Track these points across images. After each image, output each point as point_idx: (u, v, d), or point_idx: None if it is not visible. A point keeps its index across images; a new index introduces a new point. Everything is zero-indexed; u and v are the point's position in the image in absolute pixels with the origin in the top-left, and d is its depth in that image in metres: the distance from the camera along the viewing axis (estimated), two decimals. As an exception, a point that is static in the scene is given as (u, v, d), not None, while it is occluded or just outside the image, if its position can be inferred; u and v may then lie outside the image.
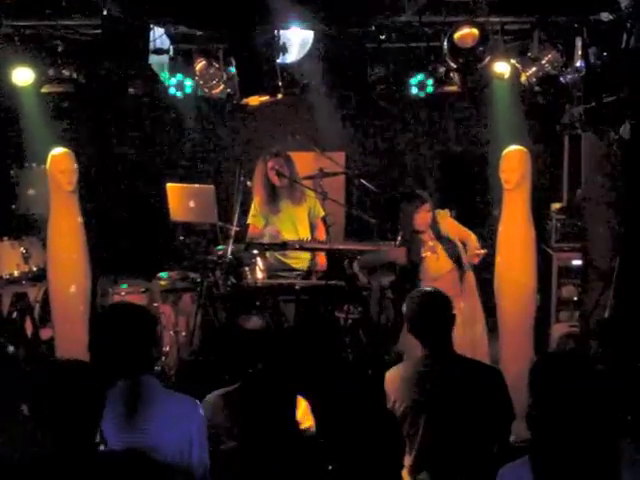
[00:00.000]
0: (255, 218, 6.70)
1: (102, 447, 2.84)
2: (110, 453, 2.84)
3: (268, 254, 6.63)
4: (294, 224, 6.72)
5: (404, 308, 4.08)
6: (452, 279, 5.89)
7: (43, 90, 6.36)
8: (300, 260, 6.78)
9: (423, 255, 5.90)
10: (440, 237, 5.98)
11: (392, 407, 3.92)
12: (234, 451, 3.58)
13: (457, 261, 5.93)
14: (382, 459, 4.51)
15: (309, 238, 6.62)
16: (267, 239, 6.54)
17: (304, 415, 3.70)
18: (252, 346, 3.80)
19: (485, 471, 3.69)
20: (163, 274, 7.12)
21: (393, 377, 3.98)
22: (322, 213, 6.79)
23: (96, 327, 3.46)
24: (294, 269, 6.77)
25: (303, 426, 3.67)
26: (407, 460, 3.92)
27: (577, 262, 6.54)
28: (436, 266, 5.92)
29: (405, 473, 3.94)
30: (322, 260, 6.80)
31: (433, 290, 4.14)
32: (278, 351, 3.94)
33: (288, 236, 6.57)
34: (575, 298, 6.83)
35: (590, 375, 2.80)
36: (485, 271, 6.38)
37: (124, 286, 6.83)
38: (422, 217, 5.96)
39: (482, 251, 6.01)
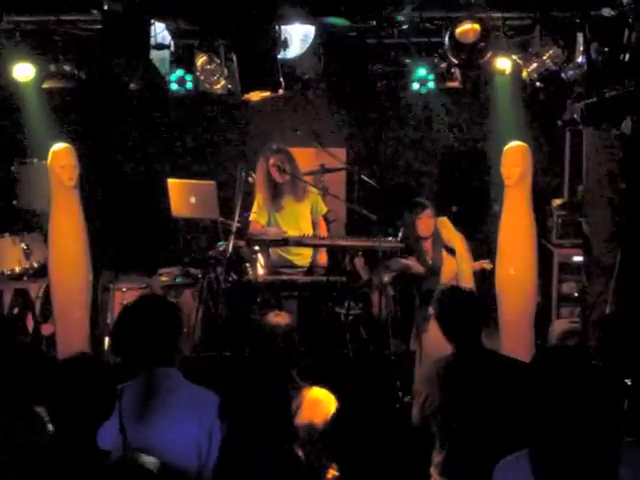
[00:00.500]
0: (258, 215, 6.70)
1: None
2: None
3: (271, 251, 6.64)
4: (297, 221, 6.71)
5: (432, 305, 4.05)
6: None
7: (44, 85, 6.36)
8: (302, 257, 6.78)
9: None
10: (438, 245, 5.99)
11: (422, 405, 3.89)
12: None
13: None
14: (397, 455, 4.50)
15: (311, 234, 6.62)
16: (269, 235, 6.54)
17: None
18: (281, 343, 3.83)
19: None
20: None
21: (424, 375, 3.96)
22: (324, 210, 6.79)
23: (122, 318, 3.45)
24: (296, 266, 6.76)
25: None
26: (437, 457, 3.89)
27: (578, 258, 6.53)
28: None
29: (435, 471, 3.91)
30: (323, 258, 6.80)
31: (462, 287, 4.12)
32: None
33: (291, 233, 6.57)
34: (576, 294, 6.82)
35: (589, 370, 2.82)
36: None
37: (125, 282, 6.83)
38: (424, 223, 5.98)
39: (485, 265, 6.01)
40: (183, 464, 3.17)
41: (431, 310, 4.09)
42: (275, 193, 6.64)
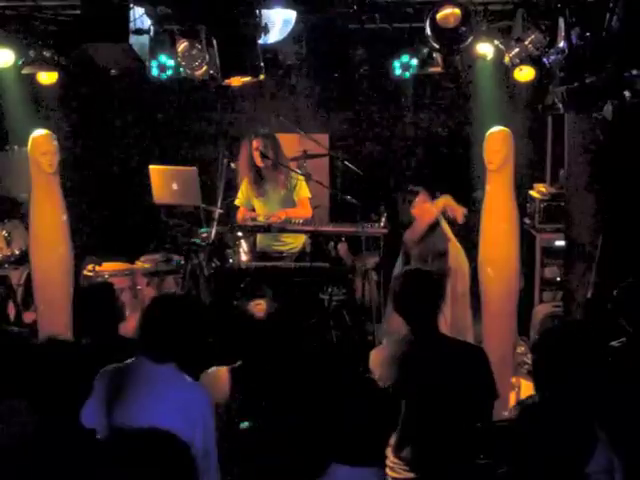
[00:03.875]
0: (244, 200, 6.69)
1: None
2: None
3: (258, 239, 6.64)
4: (280, 206, 6.70)
5: (391, 286, 4.08)
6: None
7: (24, 71, 6.30)
8: (288, 244, 6.77)
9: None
10: (435, 244, 5.97)
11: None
12: (250, 431, 3.59)
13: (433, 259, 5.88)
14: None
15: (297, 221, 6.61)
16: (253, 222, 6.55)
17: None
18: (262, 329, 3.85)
19: (468, 449, 3.72)
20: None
21: (377, 356, 3.99)
22: (308, 194, 6.77)
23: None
24: (282, 252, 6.75)
25: None
26: (392, 438, 3.94)
27: (560, 243, 6.56)
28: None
29: (389, 451, 3.95)
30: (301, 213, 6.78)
31: (420, 269, 4.13)
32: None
33: (272, 219, 6.56)
34: (558, 278, 6.85)
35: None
36: (468, 252, 6.40)
37: (106, 268, 6.80)
38: (421, 209, 5.95)
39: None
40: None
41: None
42: (258, 178, 6.64)
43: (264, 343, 3.83)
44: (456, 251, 5.92)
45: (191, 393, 3.31)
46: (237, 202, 6.72)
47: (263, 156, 6.51)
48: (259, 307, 4.09)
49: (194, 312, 3.48)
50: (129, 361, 3.39)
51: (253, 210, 6.74)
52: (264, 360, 3.77)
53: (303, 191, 6.75)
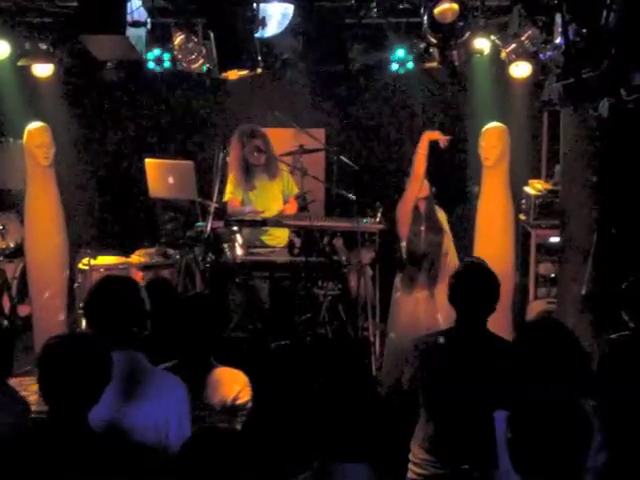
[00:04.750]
0: (233, 194, 6.69)
1: None
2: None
3: (247, 232, 6.63)
4: (268, 200, 6.71)
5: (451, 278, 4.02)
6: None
7: (19, 63, 6.29)
8: (274, 237, 6.77)
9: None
10: (430, 217, 5.89)
11: (412, 375, 3.88)
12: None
13: (432, 251, 5.81)
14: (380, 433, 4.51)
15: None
16: (248, 217, 6.54)
17: (242, 391, 3.64)
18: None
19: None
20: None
21: (418, 345, 3.93)
22: (295, 190, 6.78)
23: (90, 299, 3.43)
24: (268, 246, 6.76)
25: (239, 401, 3.60)
26: (421, 432, 3.87)
27: (555, 239, 6.56)
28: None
29: (415, 445, 3.88)
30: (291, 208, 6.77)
31: (482, 262, 4.09)
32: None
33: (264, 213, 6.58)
34: (553, 275, 6.86)
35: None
36: (464, 248, 6.41)
37: (101, 262, 6.78)
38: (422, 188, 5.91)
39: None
40: (147, 445, 3.15)
41: None
42: (248, 172, 6.64)
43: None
44: (449, 242, 5.91)
45: (162, 384, 3.29)
46: (227, 197, 6.71)
47: (259, 151, 6.51)
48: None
49: (133, 289, 3.43)
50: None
51: (245, 204, 6.72)
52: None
53: (292, 187, 6.78)
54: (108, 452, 2.76)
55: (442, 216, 5.93)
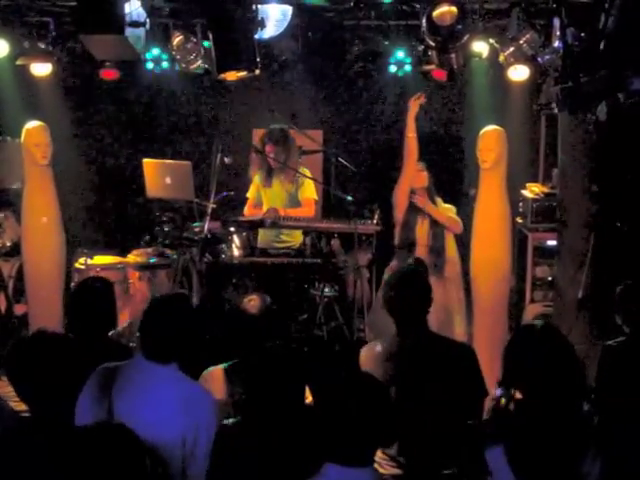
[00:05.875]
0: (252, 195, 6.73)
1: None
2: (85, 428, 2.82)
3: (261, 235, 6.65)
4: (282, 201, 6.69)
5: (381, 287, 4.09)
6: (421, 256, 5.80)
7: (18, 62, 6.29)
8: (286, 242, 6.76)
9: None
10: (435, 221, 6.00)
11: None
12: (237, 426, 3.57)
13: (435, 246, 5.88)
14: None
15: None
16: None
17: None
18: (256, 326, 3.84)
19: (458, 447, 3.72)
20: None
21: (367, 354, 3.99)
22: (312, 195, 6.69)
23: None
24: (281, 249, 6.75)
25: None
26: None
27: (552, 242, 6.57)
28: (418, 232, 5.95)
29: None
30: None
31: (410, 268, 4.14)
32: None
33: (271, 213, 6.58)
34: (550, 278, 6.87)
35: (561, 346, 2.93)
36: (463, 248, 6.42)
37: (98, 261, 6.78)
38: (417, 176, 5.95)
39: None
40: (167, 455, 3.13)
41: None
42: (269, 171, 6.65)
43: (259, 339, 3.80)
44: (450, 236, 6.00)
45: (193, 394, 3.28)
46: (249, 194, 6.75)
47: (278, 155, 6.51)
48: (252, 303, 4.08)
49: (192, 311, 3.47)
50: (129, 361, 3.38)
51: (260, 206, 6.73)
52: (260, 357, 3.75)
53: (309, 191, 6.70)
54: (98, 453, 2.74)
55: (447, 208, 6.03)
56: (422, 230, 6.01)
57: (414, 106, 6.02)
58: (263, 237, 6.72)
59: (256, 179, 6.74)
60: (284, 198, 6.68)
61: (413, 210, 6.01)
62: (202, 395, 3.32)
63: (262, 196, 6.73)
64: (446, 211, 6.18)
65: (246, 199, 6.83)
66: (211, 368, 3.86)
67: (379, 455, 3.86)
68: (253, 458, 3.19)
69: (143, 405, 3.16)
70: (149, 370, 3.24)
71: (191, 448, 3.17)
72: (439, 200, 6.15)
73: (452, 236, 6.15)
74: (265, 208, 6.65)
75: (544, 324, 3.08)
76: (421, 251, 5.93)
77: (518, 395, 3.02)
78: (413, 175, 5.99)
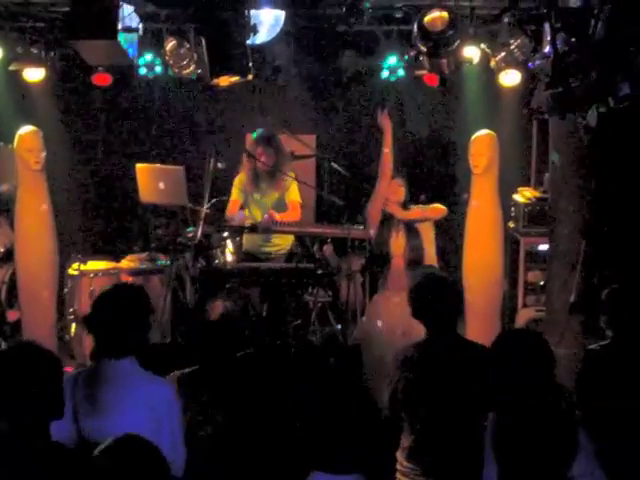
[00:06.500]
0: (237, 196, 6.69)
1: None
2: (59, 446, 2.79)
3: (246, 239, 6.64)
4: (265, 207, 6.70)
5: (410, 288, 4.05)
6: (398, 267, 5.80)
7: (11, 68, 6.29)
8: (276, 245, 6.77)
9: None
10: (408, 223, 5.92)
11: (394, 387, 3.90)
12: (213, 437, 3.55)
13: (414, 257, 5.81)
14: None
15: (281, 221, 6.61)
16: (235, 222, 6.55)
17: None
18: (217, 332, 3.79)
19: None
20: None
21: (398, 356, 3.97)
22: (296, 198, 6.73)
23: (94, 305, 3.41)
24: (270, 253, 6.75)
25: None
26: (405, 442, 3.90)
27: (544, 247, 6.60)
28: (393, 244, 5.88)
29: (401, 455, 3.90)
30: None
31: (437, 272, 4.13)
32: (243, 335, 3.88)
33: (259, 219, 6.57)
34: (542, 283, 6.89)
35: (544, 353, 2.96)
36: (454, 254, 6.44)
37: (92, 267, 6.78)
38: (394, 189, 5.91)
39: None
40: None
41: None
42: (255, 175, 6.63)
43: (215, 345, 3.73)
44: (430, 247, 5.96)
45: (154, 386, 3.29)
46: (232, 197, 6.70)
47: (268, 158, 6.50)
48: (214, 309, 4.04)
49: (139, 299, 3.42)
50: (91, 364, 3.38)
51: (242, 208, 6.72)
52: (218, 364, 3.66)
53: (294, 194, 6.73)
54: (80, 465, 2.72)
55: (425, 226, 5.99)
56: (397, 242, 5.86)
57: (386, 122, 5.86)
58: (249, 241, 6.70)
59: (238, 182, 6.70)
60: (272, 202, 6.69)
61: (386, 224, 5.89)
62: (163, 388, 3.31)
63: (248, 199, 6.72)
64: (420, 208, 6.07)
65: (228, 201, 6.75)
66: (176, 372, 3.81)
67: (406, 464, 3.84)
68: (236, 468, 3.18)
69: (106, 406, 3.17)
70: (108, 368, 3.24)
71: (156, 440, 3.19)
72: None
73: (433, 246, 6.09)
74: (251, 212, 6.64)
75: (522, 329, 3.11)
76: (397, 262, 5.84)
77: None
78: (387, 190, 5.86)
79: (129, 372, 3.27)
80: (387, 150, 5.84)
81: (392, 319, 5.59)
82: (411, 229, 5.88)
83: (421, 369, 3.84)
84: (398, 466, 3.91)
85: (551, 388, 2.85)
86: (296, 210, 6.71)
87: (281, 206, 6.67)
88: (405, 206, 5.95)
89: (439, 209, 6.05)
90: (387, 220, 5.89)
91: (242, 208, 6.70)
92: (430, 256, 5.99)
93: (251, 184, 6.65)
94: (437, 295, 3.92)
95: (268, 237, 6.68)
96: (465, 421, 3.69)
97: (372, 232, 5.90)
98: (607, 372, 4.06)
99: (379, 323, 5.74)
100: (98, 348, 3.31)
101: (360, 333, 5.94)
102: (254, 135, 6.62)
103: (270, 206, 6.65)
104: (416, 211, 5.99)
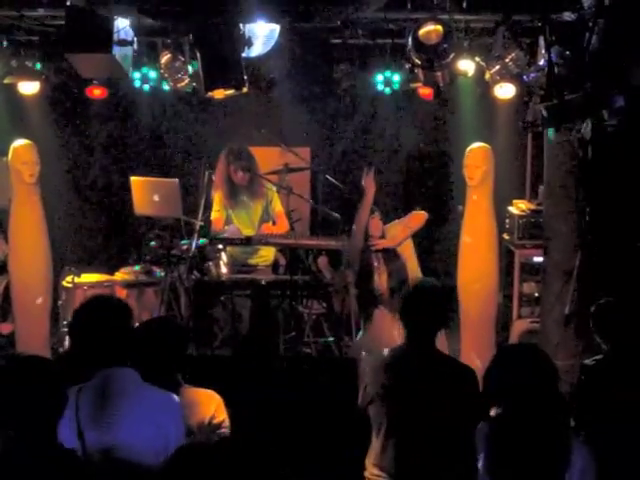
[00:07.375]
0: (219, 213, 6.69)
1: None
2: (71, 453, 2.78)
3: (229, 251, 6.62)
4: (251, 219, 6.71)
5: (399, 297, 4.06)
6: (389, 302, 5.64)
7: (5, 81, 6.28)
8: (261, 256, 6.77)
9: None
10: (386, 251, 5.87)
11: (363, 392, 3.91)
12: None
13: (399, 278, 5.66)
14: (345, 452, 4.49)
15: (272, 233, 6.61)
16: (227, 235, 6.55)
17: (217, 410, 3.62)
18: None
19: (454, 464, 3.70)
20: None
21: (372, 362, 4.00)
22: (279, 208, 6.74)
23: (76, 316, 3.40)
24: (257, 265, 6.75)
25: (216, 420, 3.58)
26: (374, 448, 3.90)
27: (539, 259, 6.61)
28: (378, 280, 5.76)
29: (369, 461, 3.91)
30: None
31: (433, 282, 4.12)
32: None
33: (244, 231, 6.57)
34: (536, 294, 6.90)
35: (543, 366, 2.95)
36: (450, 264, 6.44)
37: (85, 279, 6.76)
38: (375, 224, 5.84)
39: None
40: (143, 465, 3.11)
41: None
42: (232, 191, 6.64)
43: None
44: (412, 265, 5.91)
45: (159, 399, 3.24)
46: (213, 216, 6.68)
47: (244, 172, 6.51)
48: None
49: (119, 307, 3.42)
50: (96, 376, 3.32)
51: (228, 223, 6.71)
52: None
53: (278, 205, 6.76)
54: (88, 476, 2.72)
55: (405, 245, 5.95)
56: (382, 278, 5.71)
57: (370, 184, 5.70)
58: (235, 252, 6.68)
59: (218, 199, 6.69)
60: (257, 214, 6.69)
61: (365, 257, 5.75)
62: (169, 401, 3.27)
63: (231, 216, 6.71)
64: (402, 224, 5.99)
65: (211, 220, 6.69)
66: (205, 390, 3.78)
67: (372, 471, 3.85)
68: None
69: (112, 424, 3.12)
70: (112, 380, 3.20)
71: (163, 455, 3.14)
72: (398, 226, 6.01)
73: (414, 259, 6.01)
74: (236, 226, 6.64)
75: (524, 344, 3.12)
76: (385, 295, 5.73)
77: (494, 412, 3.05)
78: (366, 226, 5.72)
79: (134, 383, 3.22)
80: (364, 212, 5.67)
81: (393, 337, 5.57)
82: (388, 251, 5.77)
83: (392, 374, 3.85)
84: (366, 474, 3.92)
85: (552, 400, 2.84)
86: (284, 220, 6.77)
87: (266, 217, 6.69)
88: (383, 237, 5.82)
89: (419, 216, 5.99)
90: (364, 252, 5.73)
91: (227, 224, 6.70)
92: (413, 270, 5.94)
93: (230, 201, 6.65)
94: (419, 301, 3.91)
95: (254, 249, 6.68)
96: (433, 430, 3.71)
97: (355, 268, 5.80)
98: (602, 387, 4.06)
99: (380, 340, 5.70)
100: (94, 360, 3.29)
101: (359, 349, 5.90)
102: (222, 152, 6.63)
103: (258, 220, 6.66)
104: (401, 231, 5.88)
